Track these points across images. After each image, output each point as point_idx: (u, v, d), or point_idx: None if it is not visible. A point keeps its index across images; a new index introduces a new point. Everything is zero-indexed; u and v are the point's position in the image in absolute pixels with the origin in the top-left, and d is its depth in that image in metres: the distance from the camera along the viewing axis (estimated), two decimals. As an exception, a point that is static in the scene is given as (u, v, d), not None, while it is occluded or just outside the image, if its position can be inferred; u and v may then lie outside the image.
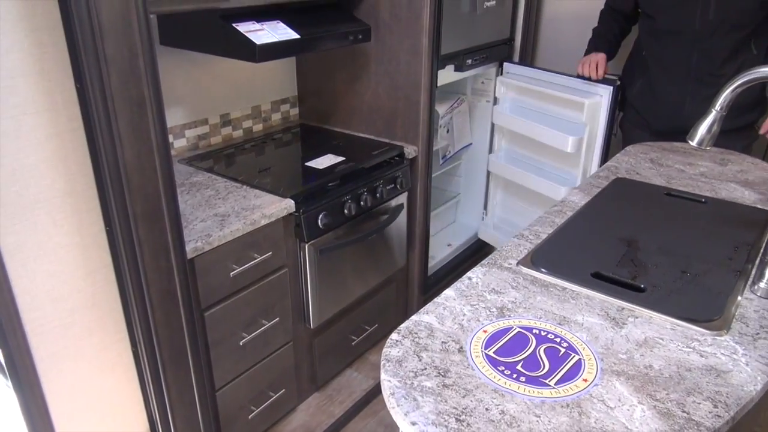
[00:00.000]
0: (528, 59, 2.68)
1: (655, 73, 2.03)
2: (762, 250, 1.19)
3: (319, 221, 1.82)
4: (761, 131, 1.85)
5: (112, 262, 1.35)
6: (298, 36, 1.82)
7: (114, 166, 1.23)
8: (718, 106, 1.22)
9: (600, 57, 2.16)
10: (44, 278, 1.25)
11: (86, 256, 1.31)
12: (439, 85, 2.18)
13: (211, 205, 1.69)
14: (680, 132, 1.96)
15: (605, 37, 2.22)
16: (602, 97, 2.15)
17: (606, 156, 2.22)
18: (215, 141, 2.21)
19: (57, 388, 1.33)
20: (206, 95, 2.13)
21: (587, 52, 2.24)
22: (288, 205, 1.73)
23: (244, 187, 1.83)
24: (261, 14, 1.81)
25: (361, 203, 1.97)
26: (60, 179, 1.22)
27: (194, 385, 1.52)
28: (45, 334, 1.28)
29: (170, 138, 2.05)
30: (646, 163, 1.79)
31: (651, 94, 2.06)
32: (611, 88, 2.12)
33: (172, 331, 1.41)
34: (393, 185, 2.11)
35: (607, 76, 2.16)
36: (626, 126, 2.25)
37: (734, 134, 1.91)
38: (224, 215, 1.63)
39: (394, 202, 2.15)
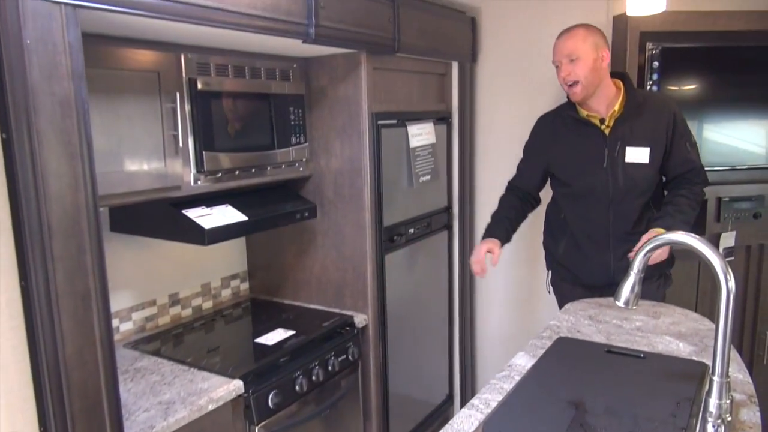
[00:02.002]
0: (466, 225, 2.85)
1: (578, 232, 2.17)
2: (702, 406, 1.22)
3: (270, 401, 1.77)
4: (630, 255, 1.96)
5: (45, 466, 1.26)
6: (246, 218, 1.91)
7: (53, 363, 1.20)
8: (635, 269, 1.33)
9: (493, 243, 2.17)
10: (-34, 493, 1.15)
11: (16, 463, 1.22)
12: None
13: (155, 392, 1.64)
14: (610, 284, 2.09)
15: (502, 224, 2.27)
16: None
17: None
18: (163, 321, 2.19)
19: None
20: (155, 276, 2.15)
21: (484, 237, 2.25)
22: (237, 386, 1.69)
23: (192, 369, 1.78)
24: (210, 200, 1.91)
25: (313, 378, 1.94)
26: (-6, 381, 1.18)
27: None
28: None
29: (116, 322, 2.02)
30: (586, 321, 1.87)
31: (577, 252, 2.19)
32: None
33: None
34: (345, 356, 2.10)
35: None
36: (557, 282, 2.35)
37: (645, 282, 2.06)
38: (169, 402, 1.57)
39: (347, 374, 2.13)
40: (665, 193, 2.13)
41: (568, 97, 2.12)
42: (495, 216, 2.32)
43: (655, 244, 1.27)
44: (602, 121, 2.07)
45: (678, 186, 2.07)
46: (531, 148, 2.29)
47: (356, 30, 1.98)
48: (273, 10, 1.67)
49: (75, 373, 1.21)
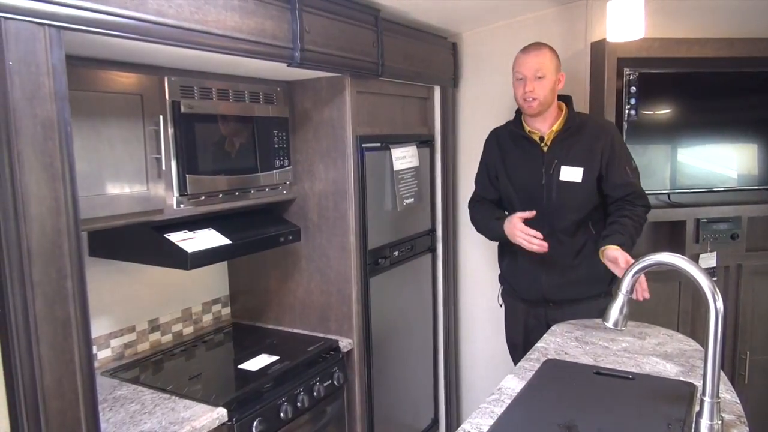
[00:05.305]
0: (450, 247, 2.85)
1: (517, 248, 2.19)
2: (693, 427, 1.22)
3: (254, 429, 1.73)
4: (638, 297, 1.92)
5: (19, 503, 1.21)
6: (229, 242, 1.88)
7: (31, 393, 1.16)
8: (624, 290, 1.33)
9: (516, 217, 2.08)
10: None
11: (-12, 500, 1.17)
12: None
13: (135, 421, 1.59)
14: (542, 300, 2.21)
15: (493, 212, 2.26)
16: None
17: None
18: (142, 348, 2.13)
19: None
20: (134, 302, 2.10)
21: (493, 231, 2.22)
22: (220, 414, 1.64)
23: (173, 397, 1.73)
24: (193, 224, 1.88)
25: (298, 404, 1.90)
26: (-32, 413, 1.13)
27: None
28: None
29: (94, 349, 1.96)
30: (572, 342, 1.87)
31: (515, 267, 2.27)
32: None
33: None
34: (330, 381, 2.07)
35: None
36: (504, 296, 2.41)
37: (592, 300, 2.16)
38: (150, 433, 1.52)
39: (332, 399, 2.09)
40: (608, 216, 2.14)
41: (517, 111, 2.21)
42: (483, 214, 2.30)
43: (643, 264, 1.28)
44: (542, 138, 2.15)
45: (621, 208, 2.09)
46: (483, 161, 2.36)
47: (340, 54, 1.99)
48: (258, 34, 1.67)
49: (53, 404, 1.16)
